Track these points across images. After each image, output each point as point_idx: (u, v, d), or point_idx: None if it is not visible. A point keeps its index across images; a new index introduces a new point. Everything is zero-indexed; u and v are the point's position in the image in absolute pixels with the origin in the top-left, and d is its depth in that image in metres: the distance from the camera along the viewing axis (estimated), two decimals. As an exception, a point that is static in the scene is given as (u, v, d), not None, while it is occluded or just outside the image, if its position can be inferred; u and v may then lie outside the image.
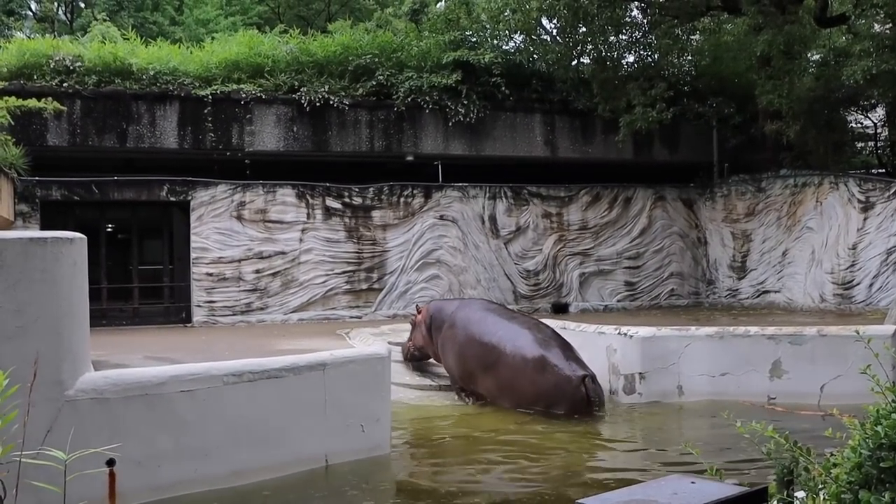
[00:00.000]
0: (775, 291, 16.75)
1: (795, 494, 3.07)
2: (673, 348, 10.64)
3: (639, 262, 18.15)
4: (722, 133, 18.24)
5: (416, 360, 11.81)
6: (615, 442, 9.01)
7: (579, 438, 8.97)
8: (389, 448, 7.99)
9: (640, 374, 10.62)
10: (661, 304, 18.11)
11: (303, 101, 15.97)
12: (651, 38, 17.79)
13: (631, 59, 18.41)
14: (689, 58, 19.20)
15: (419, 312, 11.72)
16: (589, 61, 18.03)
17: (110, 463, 5.75)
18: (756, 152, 17.93)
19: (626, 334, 10.85)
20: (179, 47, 17.09)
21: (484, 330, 10.51)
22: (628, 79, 17.36)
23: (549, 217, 17.60)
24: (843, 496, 2.80)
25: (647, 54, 18.23)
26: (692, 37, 18.88)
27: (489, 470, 7.52)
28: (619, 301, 17.91)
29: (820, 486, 2.98)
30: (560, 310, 17.13)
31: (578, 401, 9.55)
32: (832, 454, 3.05)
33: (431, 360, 11.70)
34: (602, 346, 11.19)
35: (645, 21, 18.08)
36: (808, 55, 16.91)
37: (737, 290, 17.63)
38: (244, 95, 15.77)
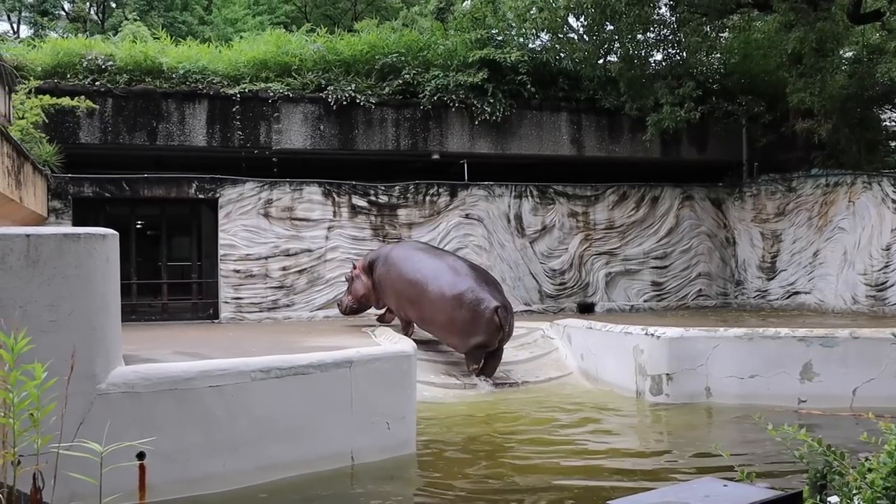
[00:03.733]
0: (806, 293, 16.56)
1: (829, 499, 3.04)
2: (701, 349, 10.57)
3: (666, 262, 18.02)
4: (752, 132, 18.05)
5: (354, 312, 13.37)
6: (644, 444, 8.96)
7: (607, 439, 8.94)
8: (415, 446, 8.01)
9: (668, 374, 10.57)
10: (688, 305, 17.98)
11: (330, 100, 16.04)
12: (679, 36, 17.61)
13: (659, 57, 18.26)
14: (718, 56, 19.02)
15: (355, 268, 13.24)
16: (616, 59, 17.91)
17: (140, 456, 5.84)
18: (786, 151, 17.74)
19: (653, 335, 10.80)
20: (208, 46, 17.21)
21: (411, 267, 12.02)
22: (656, 77, 17.24)
23: (575, 216, 17.52)
24: (878, 502, 2.76)
25: (676, 52, 18.05)
26: (721, 34, 18.68)
27: (516, 469, 7.50)
28: (645, 301, 17.80)
29: (854, 492, 2.94)
30: (586, 310, 17.05)
31: (493, 330, 11.02)
32: (867, 459, 3.01)
33: (371, 312, 13.36)
34: (628, 347, 11.16)
35: (673, 19, 17.89)
36: (841, 52, 16.68)
37: (766, 290, 17.45)
38: (272, 94, 15.85)
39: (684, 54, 17.80)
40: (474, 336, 11.14)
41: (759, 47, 18.12)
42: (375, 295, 12.94)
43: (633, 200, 17.92)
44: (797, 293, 16.76)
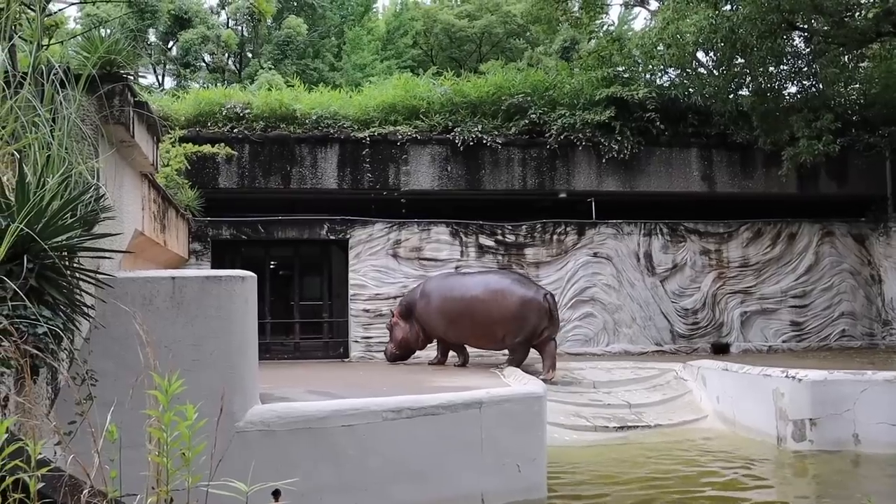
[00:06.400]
0: (962, 334, 15.43)
1: None
2: (847, 393, 9.99)
3: (805, 300, 17.19)
4: (896, 164, 17.12)
5: (400, 359, 13.89)
6: (789, 497, 8.48)
7: (749, 489, 8.53)
8: (546, 490, 7.87)
9: (811, 420, 10.03)
10: (830, 346, 17.05)
11: (457, 141, 16.23)
12: (815, 68, 16.94)
13: (793, 89, 17.58)
14: (858, 86, 18.15)
15: (394, 316, 13.86)
16: (748, 93, 17.36)
17: (276, 494, 5.95)
18: (936, 184, 16.70)
19: (794, 377, 10.30)
20: (339, 92, 17.78)
21: (452, 288, 13.03)
22: (791, 110, 16.58)
23: (707, 254, 17.00)
24: None
25: (811, 84, 17.36)
26: (860, 65, 17.87)
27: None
28: (784, 342, 17.00)
29: None
30: (720, 350, 16.44)
31: (543, 314, 12.17)
32: None
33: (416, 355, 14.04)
34: (768, 390, 10.67)
35: (808, 50, 17.26)
36: None
37: (917, 332, 16.36)
38: (400, 137, 16.18)
39: (821, 86, 17.08)
40: (527, 321, 12.12)
41: (902, 76, 17.22)
42: (415, 334, 13.47)
43: (769, 237, 17.25)
44: (953, 335, 15.63)
